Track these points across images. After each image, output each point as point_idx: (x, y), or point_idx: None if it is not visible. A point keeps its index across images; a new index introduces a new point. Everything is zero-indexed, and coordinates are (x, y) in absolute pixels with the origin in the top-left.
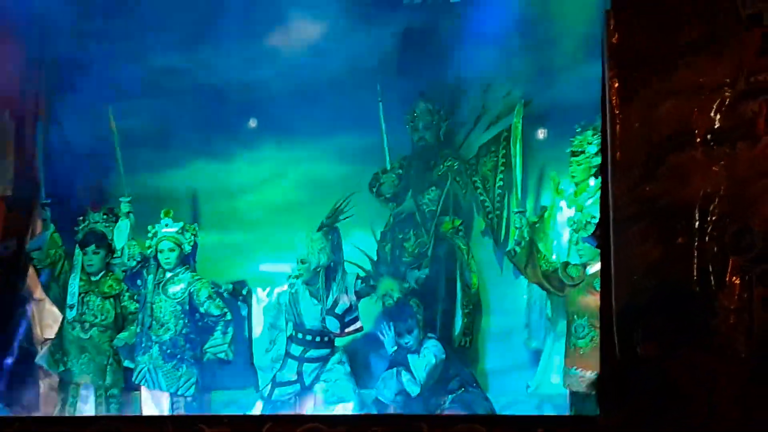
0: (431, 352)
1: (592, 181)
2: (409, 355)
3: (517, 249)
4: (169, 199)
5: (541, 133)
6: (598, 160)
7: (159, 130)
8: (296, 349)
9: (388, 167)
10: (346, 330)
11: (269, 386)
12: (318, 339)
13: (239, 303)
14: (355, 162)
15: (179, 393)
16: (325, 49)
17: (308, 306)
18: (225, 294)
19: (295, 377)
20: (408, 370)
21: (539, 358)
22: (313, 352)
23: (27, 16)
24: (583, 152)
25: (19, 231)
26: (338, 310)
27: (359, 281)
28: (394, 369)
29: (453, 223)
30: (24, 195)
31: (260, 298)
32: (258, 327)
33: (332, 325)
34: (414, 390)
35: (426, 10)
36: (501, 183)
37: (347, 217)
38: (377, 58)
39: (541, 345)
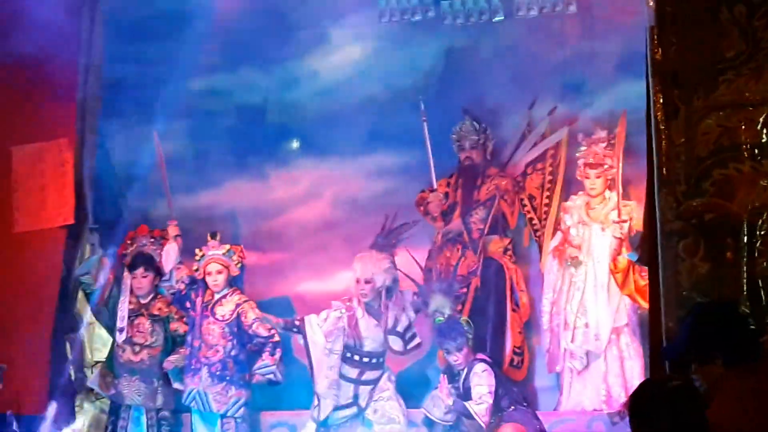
0: (486, 390)
1: (606, 194)
2: (465, 404)
3: (619, 265)
4: (209, 220)
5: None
6: (612, 172)
7: (198, 151)
8: (352, 372)
9: (435, 186)
10: (408, 347)
11: (326, 410)
12: (374, 360)
13: (294, 333)
14: (396, 180)
15: (229, 414)
16: (366, 69)
17: (368, 327)
18: (278, 329)
19: (351, 400)
20: (469, 416)
21: (559, 381)
22: (369, 374)
23: (74, 42)
24: (601, 165)
25: (69, 256)
26: (400, 329)
27: (416, 296)
28: (438, 386)
29: (501, 241)
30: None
31: (314, 324)
32: (317, 353)
33: (396, 344)
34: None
35: (468, 30)
36: (547, 200)
37: (406, 238)
38: (419, 78)
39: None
